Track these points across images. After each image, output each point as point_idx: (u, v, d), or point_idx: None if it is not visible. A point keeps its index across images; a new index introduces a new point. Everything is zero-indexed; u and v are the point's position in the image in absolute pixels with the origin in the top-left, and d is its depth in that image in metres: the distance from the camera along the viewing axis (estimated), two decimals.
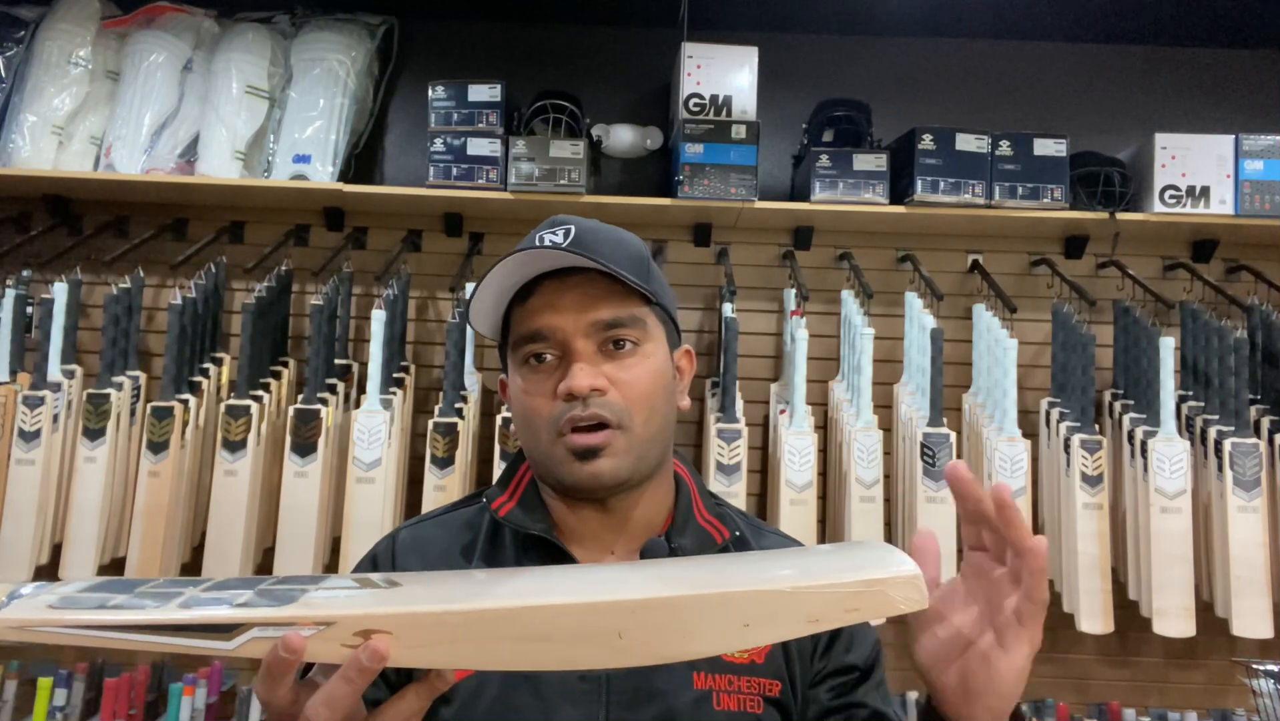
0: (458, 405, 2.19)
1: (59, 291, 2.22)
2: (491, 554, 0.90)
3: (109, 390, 2.17)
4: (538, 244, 0.85)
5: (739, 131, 2.24)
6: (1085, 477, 2.13)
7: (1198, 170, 2.26)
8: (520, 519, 0.89)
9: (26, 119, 2.32)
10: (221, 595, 0.62)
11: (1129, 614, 2.19)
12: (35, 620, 0.59)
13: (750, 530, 0.97)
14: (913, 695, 2.22)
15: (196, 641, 0.59)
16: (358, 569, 0.95)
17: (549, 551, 0.88)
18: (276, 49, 2.42)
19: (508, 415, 2.17)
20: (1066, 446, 2.18)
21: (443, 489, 2.14)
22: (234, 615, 0.59)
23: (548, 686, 0.83)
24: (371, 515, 2.11)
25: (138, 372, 2.28)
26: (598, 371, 0.84)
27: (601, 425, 0.83)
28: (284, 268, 2.37)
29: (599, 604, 0.61)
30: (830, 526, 2.33)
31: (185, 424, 2.17)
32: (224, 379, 2.33)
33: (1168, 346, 2.12)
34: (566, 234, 0.85)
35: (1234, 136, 2.27)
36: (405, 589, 0.65)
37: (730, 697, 0.84)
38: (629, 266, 0.85)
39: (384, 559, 0.93)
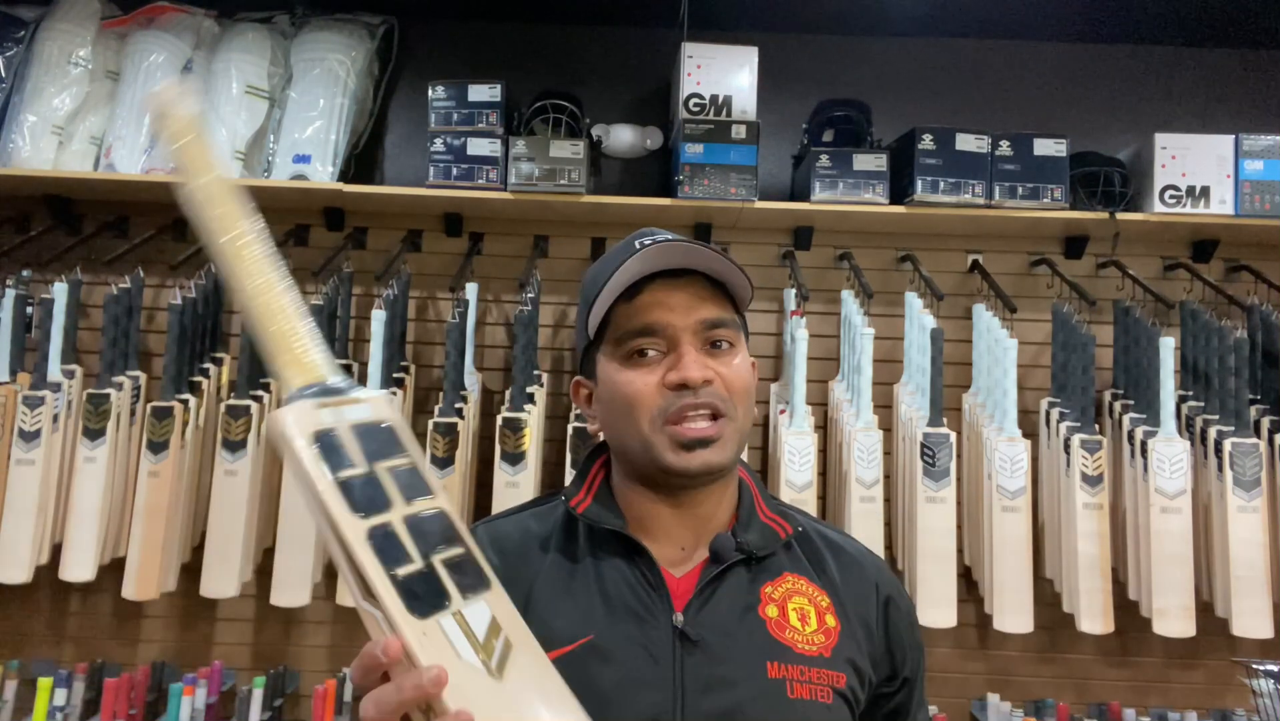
0: (458, 405, 2.19)
1: (59, 291, 2.22)
2: (566, 547, 0.95)
3: (109, 390, 2.17)
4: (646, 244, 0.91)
5: (739, 131, 2.24)
6: (1085, 477, 2.13)
7: (1198, 170, 2.26)
8: (598, 515, 0.94)
9: (26, 119, 2.32)
10: (414, 545, 0.65)
11: (1129, 614, 2.19)
12: (292, 433, 0.64)
13: (812, 526, 1.01)
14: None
15: (353, 577, 0.62)
16: None
17: (622, 544, 0.93)
18: (276, 49, 2.42)
19: (508, 415, 2.17)
20: (1066, 446, 2.17)
21: (442, 489, 2.13)
22: (377, 583, 0.61)
23: (623, 673, 0.85)
24: None
25: (138, 373, 2.28)
26: (706, 364, 0.90)
27: (715, 415, 0.89)
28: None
29: None
30: None
31: (185, 424, 2.17)
32: (224, 379, 2.33)
33: (1168, 346, 2.12)
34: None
35: (1234, 136, 2.27)
36: (510, 683, 0.65)
37: (803, 687, 0.86)
38: (734, 275, 0.93)
39: None
